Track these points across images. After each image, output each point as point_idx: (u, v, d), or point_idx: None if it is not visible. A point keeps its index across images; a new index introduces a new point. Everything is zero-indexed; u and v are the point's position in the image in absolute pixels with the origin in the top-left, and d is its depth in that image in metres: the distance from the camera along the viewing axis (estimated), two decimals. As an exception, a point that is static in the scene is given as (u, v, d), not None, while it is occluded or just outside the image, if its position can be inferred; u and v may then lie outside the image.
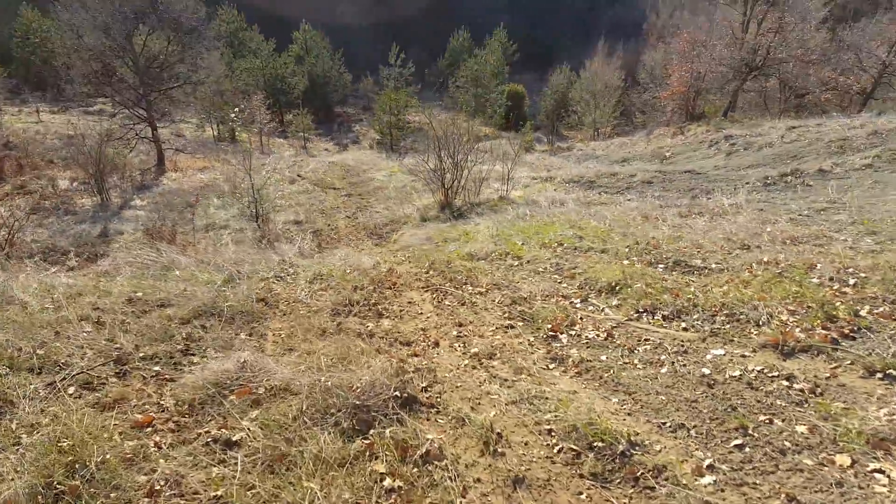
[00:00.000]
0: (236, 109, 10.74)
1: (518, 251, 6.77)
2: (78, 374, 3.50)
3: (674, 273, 5.13)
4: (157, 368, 3.67)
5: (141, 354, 3.83)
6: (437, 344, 4.35)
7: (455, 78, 42.61)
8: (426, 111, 20.11)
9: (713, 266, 5.09)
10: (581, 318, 4.51)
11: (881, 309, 3.60)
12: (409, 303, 5.46)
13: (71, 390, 3.29)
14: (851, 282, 4.09)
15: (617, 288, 4.89)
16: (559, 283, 5.50)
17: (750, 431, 2.67)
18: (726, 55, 19.14)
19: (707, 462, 2.51)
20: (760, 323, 3.73)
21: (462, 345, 4.28)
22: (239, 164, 20.37)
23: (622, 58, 33.40)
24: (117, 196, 15.34)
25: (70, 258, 10.64)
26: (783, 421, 2.70)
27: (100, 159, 14.75)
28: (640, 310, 4.44)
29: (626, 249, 5.95)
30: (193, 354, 3.97)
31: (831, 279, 4.19)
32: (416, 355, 4.10)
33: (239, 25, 43.36)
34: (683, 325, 4.07)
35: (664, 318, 4.24)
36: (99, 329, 4.29)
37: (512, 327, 4.58)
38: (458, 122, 13.92)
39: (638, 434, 2.70)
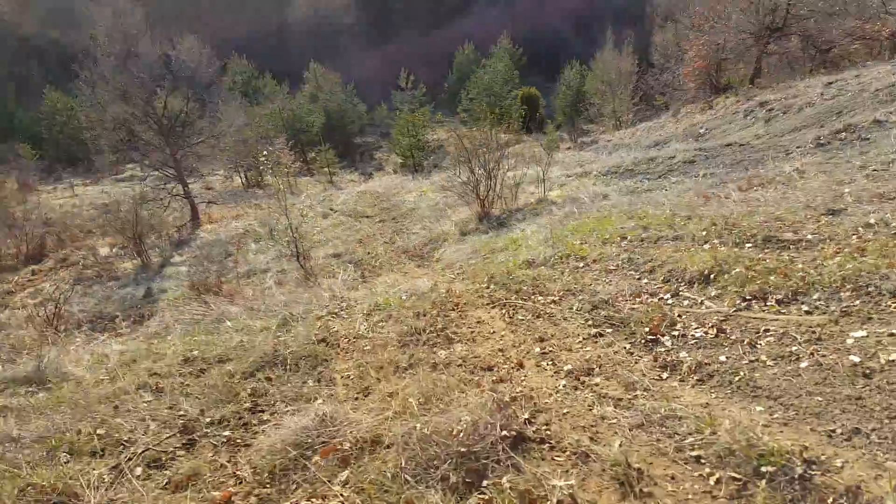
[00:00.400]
0: (264, 153, 10.70)
1: (580, 251, 6.32)
2: (143, 451, 3.19)
3: (767, 251, 4.58)
4: (226, 433, 3.35)
5: (207, 419, 3.53)
6: (521, 365, 3.93)
7: (467, 90, 42.46)
8: (449, 126, 19.88)
9: (810, 238, 4.53)
10: (680, 316, 4.00)
11: None
12: (479, 322, 5.06)
13: (138, 471, 2.98)
14: None
15: (711, 276, 4.37)
16: (639, 279, 5.01)
17: (945, 428, 2.17)
18: (744, 21, 18.44)
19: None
20: None
21: (550, 362, 3.85)
22: (271, 207, 20.46)
23: (632, 43, 32.73)
24: (157, 256, 15.43)
25: (118, 323, 10.58)
26: (980, 409, 2.21)
27: (136, 222, 14.87)
28: (748, 297, 3.91)
29: (703, 233, 5.40)
30: (263, 411, 3.65)
31: (961, 234, 3.63)
32: (502, 381, 3.69)
33: (251, 74, 44.29)
34: (805, 307, 3.51)
35: (779, 302, 3.70)
36: (159, 396, 4.01)
37: (601, 335, 4.12)
38: (484, 132, 13.56)
39: (808, 449, 2.23)
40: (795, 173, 7.61)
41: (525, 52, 47.71)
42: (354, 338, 5.20)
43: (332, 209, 20.80)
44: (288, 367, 4.35)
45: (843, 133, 9.42)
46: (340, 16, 60.78)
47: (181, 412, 3.66)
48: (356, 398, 3.71)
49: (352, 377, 4.13)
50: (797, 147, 9.80)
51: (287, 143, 32.25)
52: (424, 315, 5.33)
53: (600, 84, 32.29)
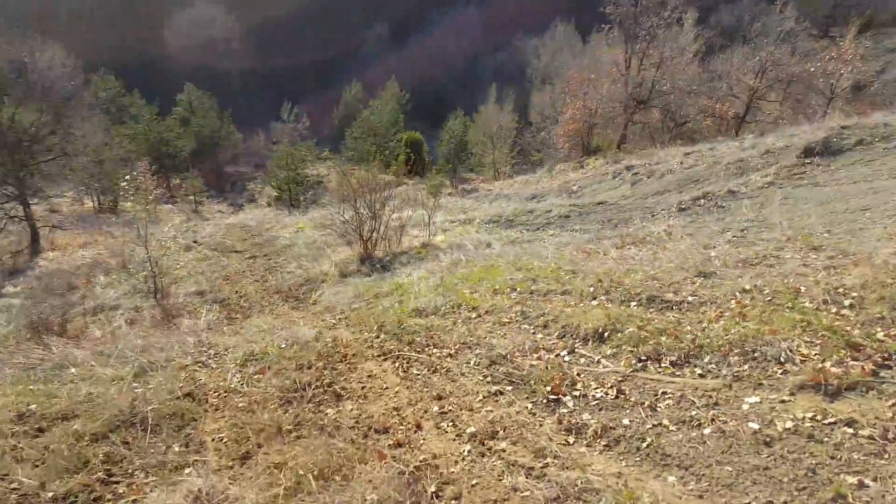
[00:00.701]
0: (127, 178, 9.63)
1: (471, 301, 6.23)
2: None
3: (652, 310, 4.75)
4: (74, 513, 2.74)
5: (50, 494, 2.88)
6: (419, 426, 3.68)
7: (352, 129, 42.41)
8: (332, 163, 19.49)
9: (690, 300, 4.76)
10: (579, 375, 3.99)
11: (896, 330, 3.38)
12: (370, 376, 4.74)
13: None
14: (847, 303, 3.89)
15: (605, 334, 4.43)
16: (533, 333, 4.96)
17: (849, 500, 2.23)
18: (614, 91, 20.19)
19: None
20: (782, 360, 3.38)
21: (451, 424, 3.63)
22: (125, 236, 18.61)
23: (513, 100, 34.63)
24: (-16, 284, 13.34)
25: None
26: (875, 480, 2.30)
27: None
28: (643, 357, 3.98)
29: (591, 289, 5.55)
30: (118, 482, 3.06)
31: (825, 302, 3.97)
32: (400, 445, 3.41)
33: (118, 92, 40.98)
34: (698, 370, 3.64)
35: (673, 364, 3.80)
36: (-18, 465, 3.25)
37: (501, 393, 3.99)
38: (370, 171, 13.41)
39: (725, 525, 2.19)
40: (664, 234, 8.16)
41: (411, 99, 48.67)
42: (226, 392, 4.67)
43: (196, 241, 19.34)
44: (148, 427, 3.75)
45: (702, 200, 10.39)
46: (225, 41, 58.55)
47: (14, 484, 2.98)
48: (232, 466, 3.23)
49: (226, 440, 3.63)
50: (662, 209, 10.64)
51: (150, 168, 30.00)
52: (309, 367, 4.92)
53: (482, 136, 33.63)
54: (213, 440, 3.66)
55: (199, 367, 5.51)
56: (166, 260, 14.98)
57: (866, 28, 20.03)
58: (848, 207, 7.54)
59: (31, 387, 5.10)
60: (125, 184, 10.38)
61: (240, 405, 4.27)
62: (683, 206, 10.55)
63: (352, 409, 4.04)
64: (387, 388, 4.46)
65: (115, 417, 3.82)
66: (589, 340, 4.51)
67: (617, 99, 20.06)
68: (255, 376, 4.95)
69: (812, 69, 19.03)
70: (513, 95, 36.74)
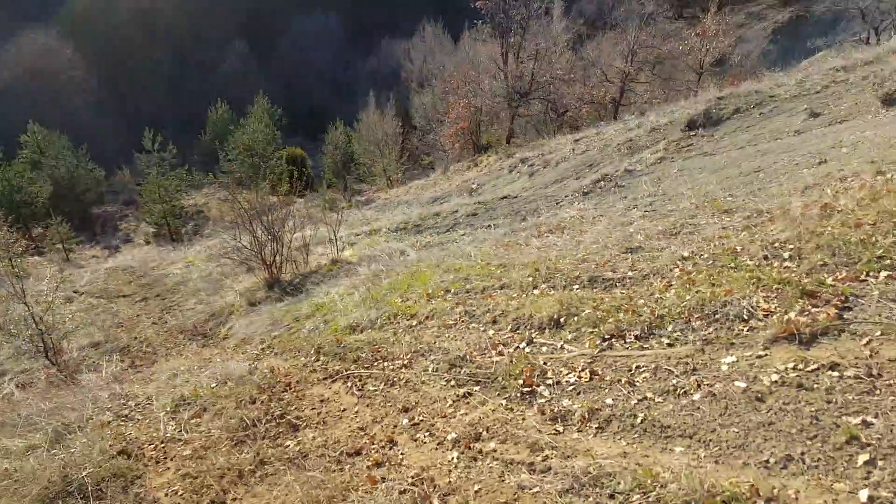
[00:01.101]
0: None
1: (406, 309, 6.01)
2: None
3: (597, 290, 4.76)
4: None
5: None
6: (392, 442, 3.45)
7: (226, 152, 40.28)
8: (221, 186, 18.40)
9: (631, 275, 4.77)
10: (546, 363, 3.89)
11: (842, 273, 3.54)
12: (322, 401, 4.43)
13: None
14: (786, 255, 4.03)
15: (561, 320, 4.36)
16: (484, 331, 4.83)
17: (863, 440, 2.29)
18: (496, 86, 20.70)
19: (872, 496, 2.05)
20: (745, 317, 3.43)
21: (427, 434, 3.43)
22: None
23: (394, 106, 34.55)
24: None
25: None
26: (877, 417, 2.38)
27: None
28: (606, 336, 3.93)
29: (530, 279, 5.48)
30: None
31: (766, 258, 4.11)
32: (380, 465, 3.16)
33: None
34: (666, 340, 3.62)
35: (638, 338, 3.77)
36: None
37: (470, 394, 3.84)
38: (260, 193, 12.79)
39: (753, 485, 2.16)
40: (577, 219, 8.36)
41: (285, 114, 47.07)
42: (163, 443, 4.22)
43: (76, 291, 17.53)
44: (89, 493, 3.24)
45: (602, 182, 10.81)
46: (66, 70, 53.49)
47: None
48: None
49: (181, 492, 3.21)
50: (565, 196, 10.96)
51: (6, 219, 26.85)
52: (253, 402, 4.51)
53: (368, 145, 33.24)
54: (166, 494, 3.23)
55: (124, 421, 4.97)
56: (50, 315, 13.46)
57: (720, 6, 22.00)
58: (741, 171, 7.99)
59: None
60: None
61: (185, 453, 3.84)
62: (586, 191, 10.91)
63: (314, 438, 3.74)
64: (344, 409, 4.18)
65: (47, 491, 3.31)
66: (545, 329, 4.44)
67: (499, 94, 20.58)
68: (193, 421, 4.51)
69: (680, 48, 20.58)
70: (393, 100, 36.65)
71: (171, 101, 54.90)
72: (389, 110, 34.07)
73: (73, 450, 4.11)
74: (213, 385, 5.23)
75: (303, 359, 5.73)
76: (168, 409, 4.85)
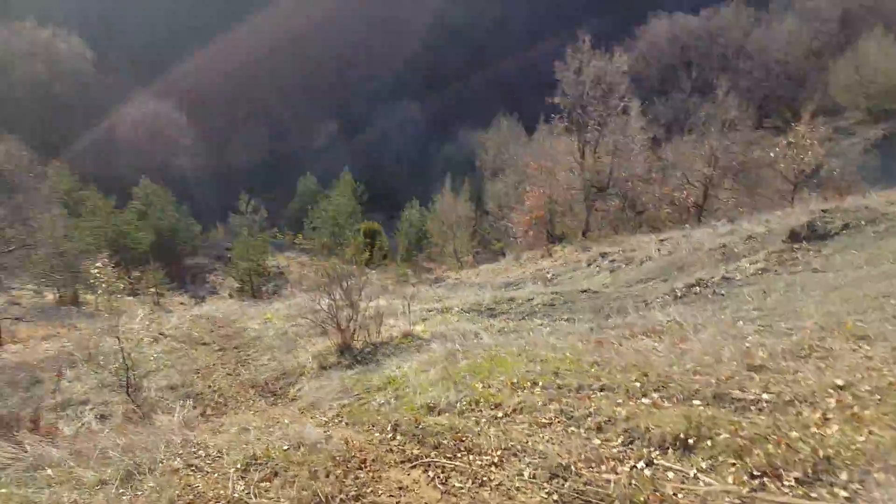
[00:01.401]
0: (97, 266, 9.34)
1: (490, 397, 5.89)
2: None
3: (724, 409, 4.27)
4: None
5: None
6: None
7: (310, 220, 42.67)
8: (310, 254, 19.41)
9: (766, 397, 4.25)
10: (677, 495, 3.38)
11: None
12: (401, 488, 4.30)
13: None
14: None
15: (690, 441, 3.85)
16: (588, 439, 4.43)
17: None
18: (572, 179, 21.17)
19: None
20: None
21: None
22: (89, 328, 17.75)
23: (468, 190, 35.80)
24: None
25: None
26: None
27: None
28: (755, 472, 3.35)
29: (637, 384, 5.13)
30: None
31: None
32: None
33: (73, 186, 40.42)
34: (843, 493, 3.00)
35: (800, 482, 3.17)
36: None
37: (577, 517, 3.53)
38: (344, 260, 13.43)
39: None
40: (674, 325, 7.75)
41: (365, 189, 49.58)
42: (230, 503, 4.23)
43: (161, 334, 18.61)
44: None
45: (697, 287, 10.58)
46: (174, 134, 59.07)
47: None
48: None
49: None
50: (655, 298, 10.80)
51: (111, 261, 29.20)
52: (326, 475, 4.51)
53: (441, 225, 34.33)
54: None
55: (193, 471, 5.07)
56: (135, 353, 14.37)
57: (812, 116, 21.68)
58: (866, 293, 7.33)
59: (3, 490, 4.67)
60: (97, 271, 10.01)
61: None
62: (679, 294, 10.64)
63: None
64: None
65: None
66: (669, 449, 3.95)
67: (575, 187, 20.99)
68: (262, 484, 4.52)
69: (772, 155, 20.29)
70: (468, 185, 37.94)
71: (265, 170, 59.01)
72: (464, 194, 35.30)
73: (140, 493, 4.31)
74: (286, 447, 5.32)
75: (377, 434, 5.75)
76: (239, 466, 4.92)
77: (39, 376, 12.83)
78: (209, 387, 12.18)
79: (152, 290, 30.44)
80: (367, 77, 70.81)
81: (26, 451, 5.85)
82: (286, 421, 8.40)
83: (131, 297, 30.93)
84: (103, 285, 10.31)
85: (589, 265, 16.40)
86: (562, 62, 21.46)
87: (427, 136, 67.37)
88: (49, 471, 5.19)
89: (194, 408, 10.85)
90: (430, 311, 14.47)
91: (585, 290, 13.20)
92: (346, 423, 6.87)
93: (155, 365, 13.79)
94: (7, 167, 17.29)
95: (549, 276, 16.80)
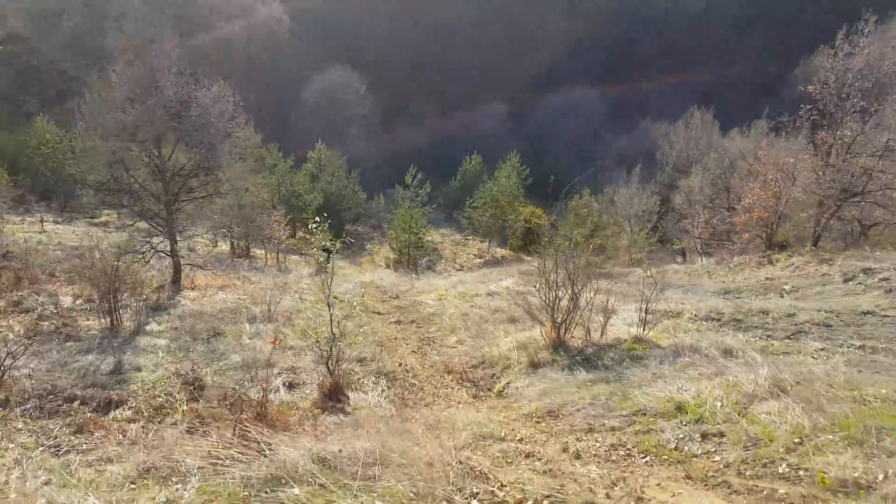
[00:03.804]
0: (316, 220, 8.44)
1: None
2: None
3: None
4: None
5: None
6: None
7: (472, 200, 41.54)
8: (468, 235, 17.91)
9: None
10: None
11: None
12: None
13: None
14: None
15: None
16: None
17: None
18: (811, 181, 17.54)
19: None
20: None
21: None
22: (262, 282, 17.63)
23: (659, 183, 32.47)
24: (129, 319, 12.30)
25: (77, 412, 7.44)
26: None
27: (113, 275, 11.88)
28: None
29: None
30: None
31: None
32: None
33: (253, 143, 42.69)
34: None
35: None
36: None
37: None
38: (575, 245, 11.48)
39: None
40: None
41: (530, 174, 47.52)
42: None
43: (336, 297, 18.15)
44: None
45: None
46: (354, 105, 60.93)
47: None
48: None
49: None
50: None
51: (284, 218, 30.05)
52: None
53: (618, 217, 31.48)
54: None
55: None
56: (307, 314, 13.68)
57: None
58: None
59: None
60: (314, 226, 9.01)
61: None
62: None
63: None
64: None
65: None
66: None
67: (814, 190, 17.35)
68: None
69: None
70: (656, 178, 34.59)
71: (430, 146, 59.07)
72: (651, 187, 32.04)
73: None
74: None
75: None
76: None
77: (220, 328, 12.37)
78: (399, 365, 10.94)
79: (315, 251, 30.98)
80: (544, 60, 68.24)
81: (263, 453, 4.50)
82: (522, 429, 6.72)
83: (296, 257, 31.81)
84: (320, 242, 9.20)
85: (846, 281, 13.10)
86: (828, 46, 17.76)
87: (602, 124, 63.74)
88: (296, 489, 3.79)
89: (389, 388, 9.63)
90: (645, 312, 12.13)
91: (869, 312, 10.20)
92: (641, 458, 4.94)
93: (337, 331, 12.91)
94: (211, 111, 17.31)
95: (786, 288, 13.71)
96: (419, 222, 35.15)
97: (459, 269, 35.12)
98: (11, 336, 10.30)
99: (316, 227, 9.30)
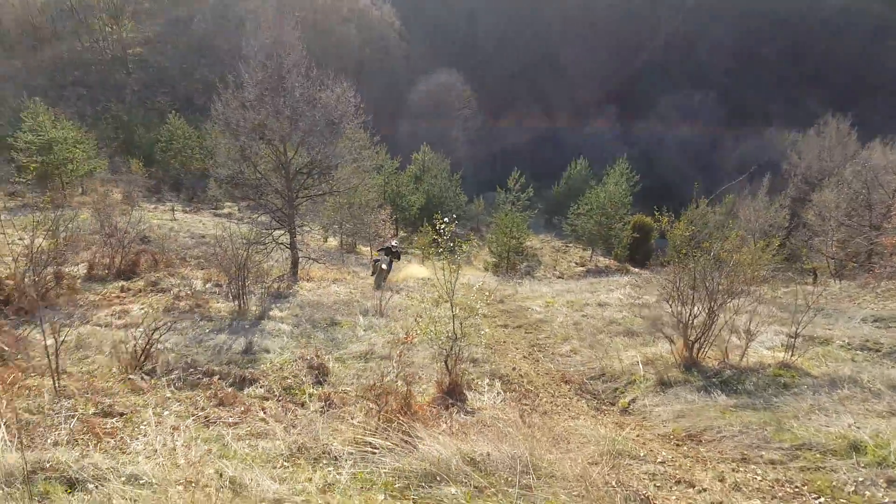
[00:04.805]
0: (445, 220, 8.45)
1: None
2: None
3: None
4: None
5: None
6: None
7: (577, 206, 40.35)
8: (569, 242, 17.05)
9: None
10: None
11: None
12: None
13: None
14: None
15: None
16: None
17: None
18: None
19: None
20: None
21: None
22: (368, 277, 17.87)
23: (789, 196, 30.06)
24: (254, 304, 12.92)
25: (215, 383, 7.81)
26: None
27: (244, 263, 12.56)
28: None
29: None
30: None
31: None
32: None
33: (363, 144, 44.05)
34: None
35: None
36: None
37: None
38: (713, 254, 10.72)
39: None
40: None
41: (639, 181, 45.62)
42: None
43: (441, 297, 18.15)
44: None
45: None
46: (459, 108, 61.51)
47: None
48: None
49: None
50: None
51: (390, 217, 30.69)
52: None
53: (742, 231, 29.38)
54: None
55: None
56: (413, 310, 13.68)
57: None
58: None
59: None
60: (442, 225, 8.94)
61: None
62: None
63: None
64: None
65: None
66: None
67: None
68: None
69: None
70: (784, 190, 32.08)
71: (533, 149, 58.38)
72: (780, 199, 29.70)
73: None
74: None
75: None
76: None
77: (336, 319, 12.69)
78: (513, 369, 10.65)
79: (415, 251, 31.47)
80: (657, 62, 65.64)
81: (413, 445, 4.38)
82: (663, 451, 6.22)
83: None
84: (446, 242, 9.11)
85: None
86: None
87: (721, 130, 60.34)
88: (453, 489, 3.62)
89: (505, 392, 9.38)
90: (788, 336, 11.06)
91: None
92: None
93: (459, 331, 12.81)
94: (337, 110, 17.85)
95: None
96: (520, 227, 34.58)
97: (560, 277, 34.25)
98: (153, 312, 11.14)
99: (444, 227, 9.13)
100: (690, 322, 9.49)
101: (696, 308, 9.54)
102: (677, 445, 6.66)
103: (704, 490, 4.95)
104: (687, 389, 8.65)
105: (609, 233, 37.85)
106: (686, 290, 9.80)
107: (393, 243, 13.55)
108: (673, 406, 8.22)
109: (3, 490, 3.13)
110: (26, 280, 9.64)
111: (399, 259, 13.87)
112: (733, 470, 5.48)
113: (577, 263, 39.29)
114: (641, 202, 46.87)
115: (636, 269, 33.80)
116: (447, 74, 62.11)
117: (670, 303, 9.78)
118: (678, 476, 5.31)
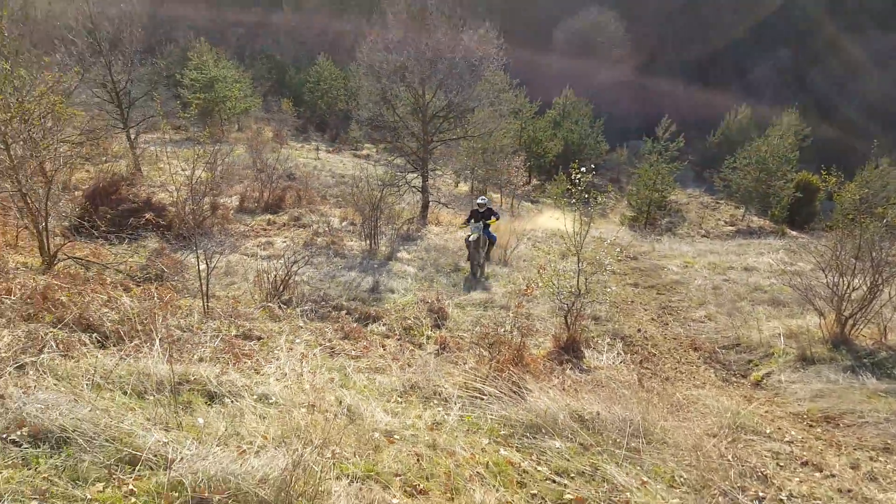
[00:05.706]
0: (582, 169, 8.13)
1: None
2: None
3: None
4: None
5: None
6: None
7: (733, 159, 36.80)
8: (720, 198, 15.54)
9: None
10: None
11: None
12: None
13: None
14: None
15: None
16: None
17: None
18: None
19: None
20: None
21: None
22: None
23: None
24: (384, 244, 13.54)
25: (343, 318, 8.42)
26: None
27: (378, 204, 13.14)
28: None
29: None
30: None
31: None
32: None
33: (502, 87, 43.11)
34: None
35: None
36: None
37: None
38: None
39: None
40: None
41: (810, 134, 40.55)
42: None
43: (569, 250, 17.76)
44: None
45: None
46: (609, 48, 57.98)
47: None
48: None
49: None
50: None
51: (524, 164, 30.18)
52: None
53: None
54: None
55: None
56: (539, 262, 13.52)
57: None
58: None
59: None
60: (578, 175, 8.55)
61: None
62: None
63: None
64: None
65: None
66: None
67: None
68: None
69: None
70: None
71: (687, 97, 53.86)
72: None
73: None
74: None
75: None
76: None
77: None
78: (638, 331, 10.28)
79: (548, 200, 30.74)
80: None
81: (521, 396, 4.43)
82: (800, 437, 5.73)
83: (528, 204, 31.91)
84: (580, 192, 8.79)
85: None
86: None
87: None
88: (557, 443, 3.62)
89: (625, 354, 9.10)
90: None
91: None
92: None
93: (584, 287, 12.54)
94: (476, 53, 17.63)
95: None
96: (666, 179, 32.47)
97: (704, 236, 31.98)
98: (293, 245, 12.13)
99: (580, 177, 8.80)
100: (847, 295, 8.51)
101: (856, 280, 8.52)
102: (810, 426, 6.13)
103: (833, 476, 4.55)
104: (831, 368, 7.89)
105: (767, 190, 34.22)
106: (848, 259, 8.77)
107: (479, 201, 13.31)
108: (812, 384, 7.56)
109: (154, 397, 3.64)
110: (186, 208, 10.87)
111: (498, 219, 13.59)
112: (871, 458, 4.96)
113: (726, 222, 36.42)
114: (809, 159, 41.85)
115: (794, 233, 30.66)
116: (598, 11, 58.41)
117: (826, 272, 8.80)
118: (805, 458, 4.93)
